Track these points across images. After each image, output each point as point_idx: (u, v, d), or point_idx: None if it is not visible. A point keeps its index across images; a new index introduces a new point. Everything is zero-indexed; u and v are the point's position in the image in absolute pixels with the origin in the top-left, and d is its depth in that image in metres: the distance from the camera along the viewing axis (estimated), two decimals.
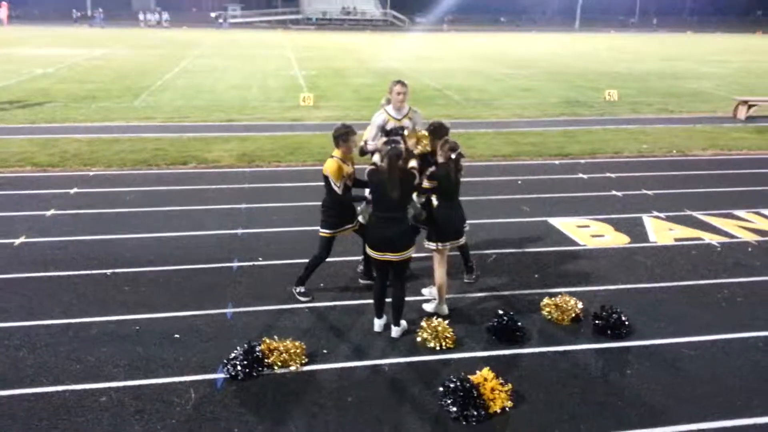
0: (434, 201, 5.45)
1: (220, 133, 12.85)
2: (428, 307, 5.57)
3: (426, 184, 5.30)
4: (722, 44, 45.86)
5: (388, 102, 6.04)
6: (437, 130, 5.63)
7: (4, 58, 26.43)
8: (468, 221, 5.84)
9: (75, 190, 8.92)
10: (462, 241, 5.59)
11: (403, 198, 4.88)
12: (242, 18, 69.29)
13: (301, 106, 16.24)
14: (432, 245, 5.38)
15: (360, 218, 5.64)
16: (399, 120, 5.86)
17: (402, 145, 4.94)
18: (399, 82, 5.85)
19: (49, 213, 7.93)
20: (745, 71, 26.43)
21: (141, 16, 60.78)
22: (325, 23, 67.85)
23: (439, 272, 5.43)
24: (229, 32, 53.66)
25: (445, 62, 28.49)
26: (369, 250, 5.05)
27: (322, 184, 5.40)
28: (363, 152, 5.87)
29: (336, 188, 5.31)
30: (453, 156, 5.20)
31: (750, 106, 15.38)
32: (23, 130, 12.82)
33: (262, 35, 50.23)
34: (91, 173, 9.82)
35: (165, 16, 61.61)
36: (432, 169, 5.31)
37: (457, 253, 6.06)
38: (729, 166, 10.89)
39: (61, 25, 56.08)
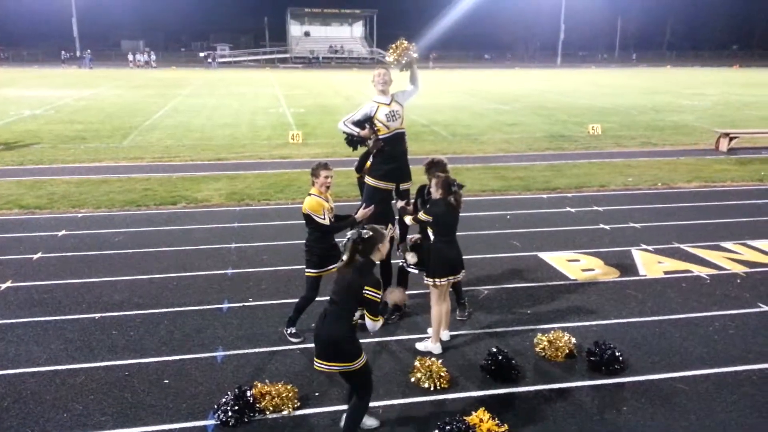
0: (431, 235, 5.45)
1: (209, 172, 12.87)
2: (421, 346, 5.52)
3: (421, 216, 5.33)
4: (700, 78, 47.06)
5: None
6: (434, 166, 5.67)
7: None
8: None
9: (63, 232, 8.84)
10: (461, 276, 5.55)
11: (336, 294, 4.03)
12: (231, 57, 70.27)
13: (290, 143, 16.35)
14: (429, 281, 5.36)
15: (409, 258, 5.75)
16: (388, 104, 5.97)
17: None
18: (381, 67, 6.17)
19: (36, 256, 7.84)
20: (724, 104, 27.06)
21: (130, 57, 61.36)
22: (315, 62, 69.09)
23: (436, 309, 5.40)
24: (218, 71, 54.28)
25: (430, 98, 28.87)
26: None
27: None
28: (350, 141, 6.11)
29: (322, 221, 5.31)
30: (452, 189, 5.22)
31: (731, 138, 15.69)
32: (10, 172, 12.77)
33: (250, 74, 50.84)
34: (80, 215, 9.76)
35: (153, 56, 62.28)
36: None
37: (450, 289, 6.04)
38: (714, 197, 11.06)
39: (50, 66, 56.49)
